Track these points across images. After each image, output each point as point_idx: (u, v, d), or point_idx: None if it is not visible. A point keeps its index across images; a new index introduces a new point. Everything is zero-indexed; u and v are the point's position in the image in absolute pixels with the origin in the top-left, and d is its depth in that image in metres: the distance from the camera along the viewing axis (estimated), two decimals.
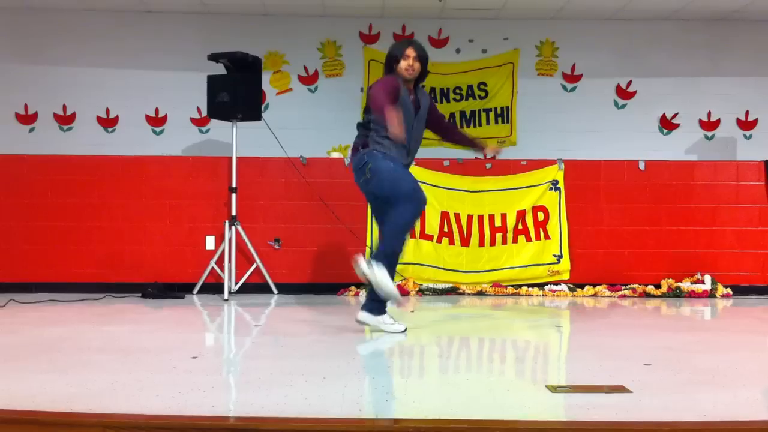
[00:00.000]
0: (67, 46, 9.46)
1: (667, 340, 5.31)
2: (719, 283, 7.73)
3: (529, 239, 7.96)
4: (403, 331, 5.29)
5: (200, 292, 7.62)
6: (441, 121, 5.61)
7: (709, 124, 9.73)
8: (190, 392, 3.63)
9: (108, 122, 9.48)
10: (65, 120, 9.45)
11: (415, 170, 6.50)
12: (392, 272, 5.18)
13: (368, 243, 7.79)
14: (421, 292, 7.72)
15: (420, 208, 5.14)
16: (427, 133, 5.59)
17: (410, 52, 5.11)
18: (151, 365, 4.30)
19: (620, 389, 3.71)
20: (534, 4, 9.16)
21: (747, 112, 9.71)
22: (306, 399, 3.52)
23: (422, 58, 5.16)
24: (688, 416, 3.26)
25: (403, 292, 7.56)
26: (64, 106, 9.45)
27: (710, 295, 7.67)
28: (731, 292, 7.73)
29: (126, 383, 3.85)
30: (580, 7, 9.18)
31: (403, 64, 5.11)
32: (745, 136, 9.72)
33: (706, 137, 9.74)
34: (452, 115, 9.66)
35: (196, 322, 6.44)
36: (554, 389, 3.73)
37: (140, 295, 7.46)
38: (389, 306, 5.47)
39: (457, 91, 9.75)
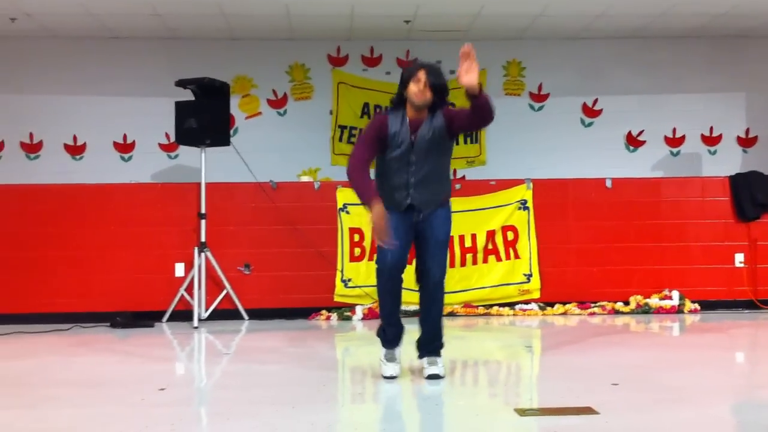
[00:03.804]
0: (32, 74, 9.38)
1: (635, 358, 5.36)
2: (687, 299, 7.80)
3: (499, 259, 7.99)
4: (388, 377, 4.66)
5: (170, 320, 7.55)
6: (462, 120, 4.52)
7: (674, 141, 9.85)
8: (157, 426, 3.61)
9: (75, 150, 9.41)
10: (32, 148, 9.37)
11: None
12: (384, 338, 4.72)
13: (339, 266, 7.78)
14: None
15: (382, 281, 4.57)
16: None
17: (422, 75, 4.39)
18: (118, 398, 4.26)
19: (588, 411, 3.74)
20: (500, 25, 9.24)
21: (711, 128, 9.84)
22: (275, 430, 3.51)
23: (436, 86, 4.41)
24: None
25: (374, 315, 7.55)
26: (31, 135, 9.36)
27: (678, 310, 7.73)
28: (699, 308, 7.80)
29: (92, 417, 3.83)
30: (545, 26, 9.28)
31: (413, 87, 4.40)
32: (709, 152, 9.85)
33: (672, 153, 9.86)
34: None
35: (165, 351, 6.39)
36: (523, 412, 3.75)
37: (109, 324, 7.38)
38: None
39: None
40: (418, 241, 4.60)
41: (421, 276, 4.67)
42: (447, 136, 4.55)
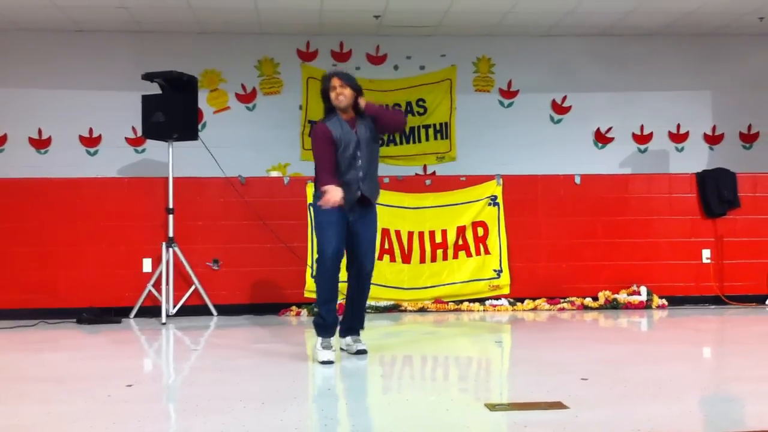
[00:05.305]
0: None
1: (604, 353, 5.39)
2: (655, 294, 7.87)
3: (469, 254, 8.01)
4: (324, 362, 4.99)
5: (138, 315, 7.47)
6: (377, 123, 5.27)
7: (642, 138, 9.94)
8: (125, 422, 3.56)
9: (40, 143, 9.27)
10: None
11: None
12: (322, 325, 5.08)
13: (308, 262, 7.74)
14: None
15: (323, 268, 5.02)
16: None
17: (334, 82, 5.09)
18: (85, 394, 4.19)
19: (557, 405, 3.75)
20: (470, 21, 9.26)
21: (678, 125, 9.95)
22: (244, 426, 3.47)
23: (349, 82, 5.09)
24: (623, 431, 3.30)
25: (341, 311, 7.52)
26: None
27: (646, 306, 7.80)
28: (667, 303, 7.87)
29: (60, 414, 3.77)
30: (514, 23, 9.31)
31: (332, 95, 5.09)
32: (677, 149, 9.95)
33: (640, 150, 9.95)
34: None
35: (133, 347, 6.32)
36: (493, 407, 3.75)
37: (75, 320, 7.28)
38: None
39: (396, 107, 9.78)
40: (352, 238, 5.15)
41: (352, 269, 5.24)
42: (377, 134, 5.23)
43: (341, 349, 5.36)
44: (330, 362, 4.97)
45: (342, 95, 5.05)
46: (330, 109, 5.17)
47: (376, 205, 5.35)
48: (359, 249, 5.17)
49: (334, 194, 4.88)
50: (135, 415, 3.71)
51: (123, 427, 3.49)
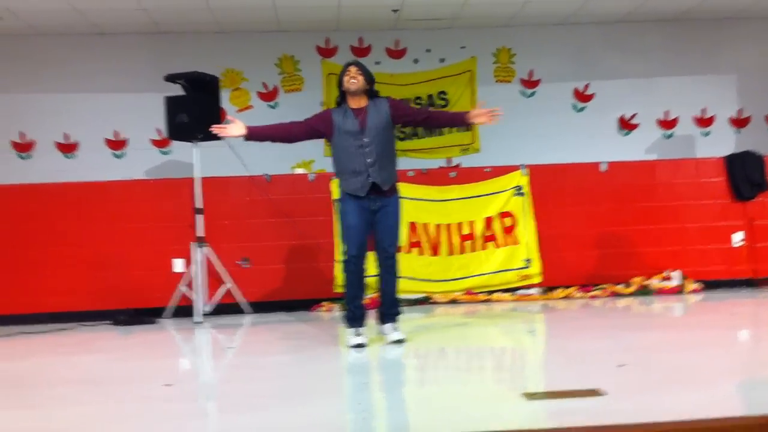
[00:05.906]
0: (21, 73, 9.30)
1: (639, 340, 5.36)
2: (688, 279, 7.82)
3: (498, 245, 7.99)
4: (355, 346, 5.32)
5: (172, 315, 7.53)
6: (415, 116, 5.72)
7: (668, 123, 9.86)
8: (164, 422, 3.59)
9: (67, 148, 9.35)
10: (23, 147, 9.31)
11: None
12: (352, 317, 5.43)
13: (336, 257, 7.76)
14: None
15: (348, 269, 5.38)
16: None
17: (350, 68, 5.36)
18: (123, 395, 4.24)
19: (594, 393, 3.73)
20: (488, 12, 9.21)
21: (704, 110, 9.85)
22: (282, 422, 3.49)
23: (364, 71, 5.35)
24: (661, 417, 3.28)
25: (375, 304, 7.52)
26: (22, 134, 9.31)
27: (680, 291, 7.74)
28: (700, 287, 7.81)
29: (99, 415, 3.80)
30: (533, 13, 9.25)
31: (345, 78, 5.34)
32: (703, 134, 9.86)
33: (665, 136, 9.87)
34: None
35: (169, 347, 6.37)
36: (530, 396, 3.74)
37: (111, 322, 7.35)
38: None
39: (418, 100, 9.76)
40: (375, 225, 5.38)
41: (377, 253, 5.44)
42: (392, 122, 5.40)
43: (380, 333, 5.54)
44: (361, 345, 5.28)
45: (354, 79, 5.29)
46: (341, 99, 5.43)
47: (399, 198, 5.48)
48: (382, 236, 5.39)
49: (233, 127, 5.53)
50: (174, 414, 3.75)
51: (162, 426, 3.53)
